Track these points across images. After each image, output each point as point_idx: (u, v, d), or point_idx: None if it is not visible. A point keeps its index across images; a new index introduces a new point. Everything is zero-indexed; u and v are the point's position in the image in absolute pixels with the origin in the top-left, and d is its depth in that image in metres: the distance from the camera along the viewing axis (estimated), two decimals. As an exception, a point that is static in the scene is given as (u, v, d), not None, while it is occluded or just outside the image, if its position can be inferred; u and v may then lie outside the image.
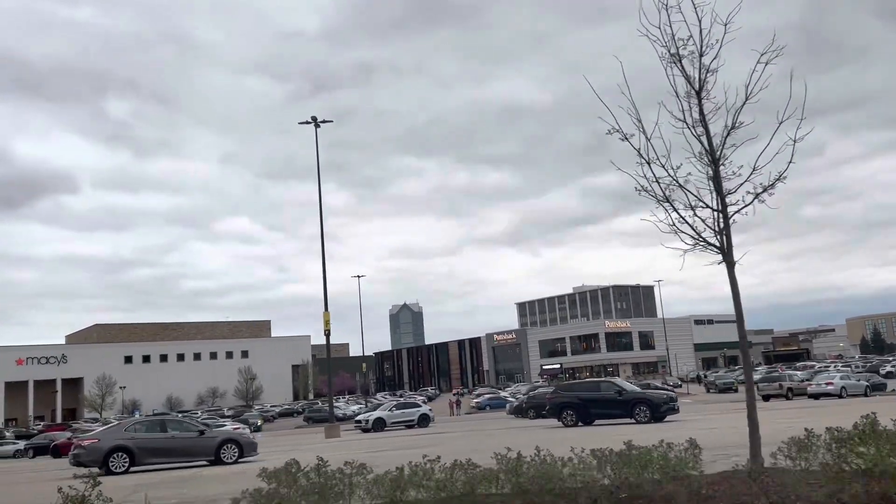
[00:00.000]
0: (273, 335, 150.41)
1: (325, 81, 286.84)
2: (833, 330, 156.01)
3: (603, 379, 43.89)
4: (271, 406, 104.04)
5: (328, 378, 50.72)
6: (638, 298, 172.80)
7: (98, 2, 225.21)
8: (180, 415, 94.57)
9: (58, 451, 39.58)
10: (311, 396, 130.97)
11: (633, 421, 26.71)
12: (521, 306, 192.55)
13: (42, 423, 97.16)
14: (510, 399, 69.26)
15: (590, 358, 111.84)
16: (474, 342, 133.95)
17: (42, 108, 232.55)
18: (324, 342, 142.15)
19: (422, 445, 25.25)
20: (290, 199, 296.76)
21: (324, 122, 40.03)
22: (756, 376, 55.06)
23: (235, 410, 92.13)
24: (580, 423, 27.80)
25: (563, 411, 28.32)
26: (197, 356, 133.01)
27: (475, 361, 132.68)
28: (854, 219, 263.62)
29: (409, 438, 30.72)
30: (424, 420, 42.01)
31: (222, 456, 21.41)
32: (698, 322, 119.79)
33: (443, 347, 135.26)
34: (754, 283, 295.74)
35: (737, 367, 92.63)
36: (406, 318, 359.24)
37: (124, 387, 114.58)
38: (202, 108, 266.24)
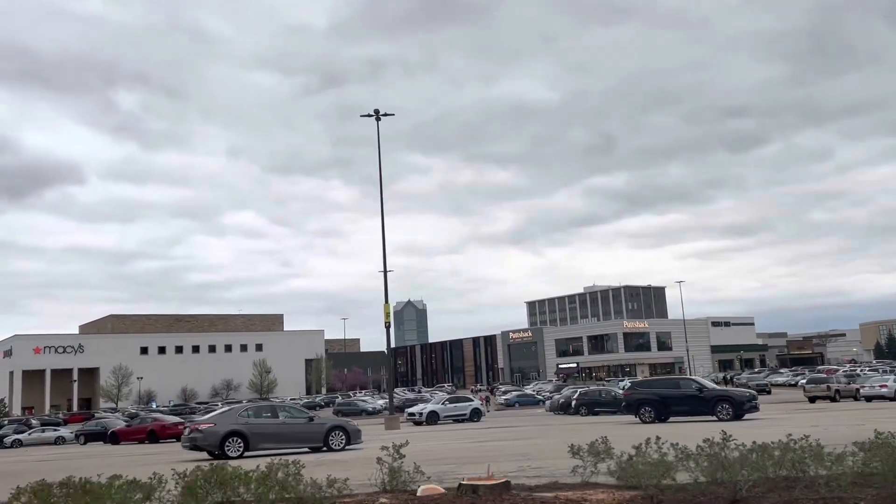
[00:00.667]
0: (285, 329, 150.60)
1: (334, 76, 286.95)
2: (844, 335, 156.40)
3: (681, 376, 44.10)
4: (291, 399, 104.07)
5: (390, 369, 50.92)
6: (649, 299, 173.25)
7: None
8: (201, 406, 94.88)
9: (116, 438, 39.74)
10: (323, 391, 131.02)
11: (714, 418, 26.88)
12: (531, 305, 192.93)
13: (61, 413, 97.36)
14: (538, 397, 69.54)
15: (607, 358, 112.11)
16: (489, 340, 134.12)
17: (50, 98, 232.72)
18: (337, 337, 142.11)
19: (512, 438, 25.46)
20: (295, 194, 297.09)
21: (385, 115, 40.24)
22: (801, 379, 55.37)
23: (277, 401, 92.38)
24: (657, 420, 28.00)
25: (640, 407, 28.50)
26: (212, 348, 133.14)
27: (490, 359, 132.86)
28: (860, 224, 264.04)
29: (484, 431, 30.86)
30: (476, 414, 42.24)
31: (331, 442, 21.63)
32: (715, 324, 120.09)
33: (457, 344, 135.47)
34: (757, 287, 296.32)
35: (759, 370, 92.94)
36: (410, 314, 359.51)
37: (141, 377, 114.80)
38: (210, 101, 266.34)
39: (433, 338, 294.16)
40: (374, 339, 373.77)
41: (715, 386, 31.04)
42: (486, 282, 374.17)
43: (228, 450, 20.50)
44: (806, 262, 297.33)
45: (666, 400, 28.30)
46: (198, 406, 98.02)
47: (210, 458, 21.74)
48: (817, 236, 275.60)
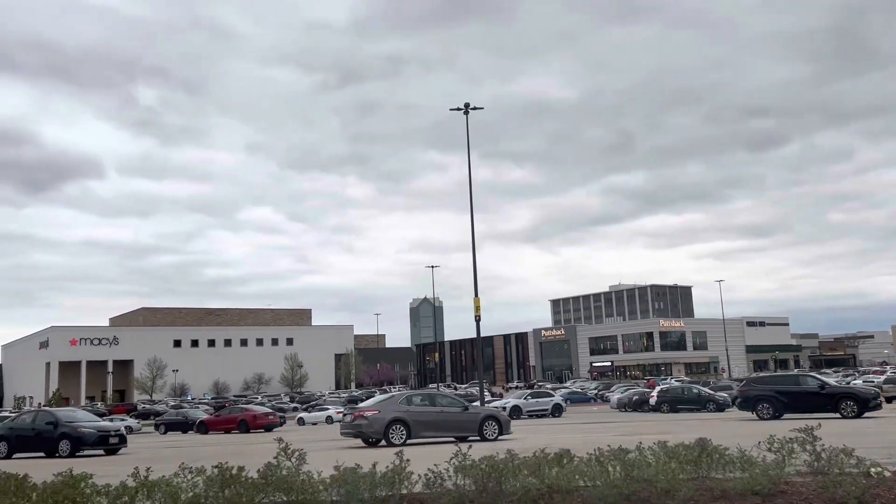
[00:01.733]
0: (313, 324, 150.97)
1: (353, 73, 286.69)
2: (872, 336, 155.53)
3: (801, 373, 43.91)
4: (330, 393, 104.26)
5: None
6: (675, 299, 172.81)
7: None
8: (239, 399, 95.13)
9: (205, 427, 39.80)
10: (353, 386, 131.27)
11: (836, 416, 26.75)
12: (556, 303, 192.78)
13: (100, 404, 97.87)
14: (588, 394, 69.33)
15: (643, 357, 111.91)
16: (520, 337, 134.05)
17: (71, 93, 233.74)
18: (365, 332, 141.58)
19: (640, 433, 25.38)
20: (312, 190, 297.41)
21: (475, 108, 40.21)
22: (878, 378, 55.14)
23: (303, 396, 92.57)
24: (774, 417, 27.90)
25: (758, 404, 28.39)
26: (243, 342, 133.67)
27: (521, 356, 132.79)
28: (879, 226, 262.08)
29: (598, 426, 30.81)
30: (558, 409, 42.24)
31: (485, 432, 21.65)
32: (750, 324, 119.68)
33: (487, 341, 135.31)
34: (774, 288, 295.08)
35: (803, 371, 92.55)
36: (426, 311, 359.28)
37: (177, 370, 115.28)
38: (229, 96, 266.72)
39: (449, 335, 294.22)
40: (393, 336, 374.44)
41: (835, 383, 30.89)
42: (501, 280, 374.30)
43: (392, 437, 20.58)
44: (824, 264, 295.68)
45: (785, 396, 28.19)
46: (237, 398, 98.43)
47: (366, 445, 21.85)
48: (835, 237, 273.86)
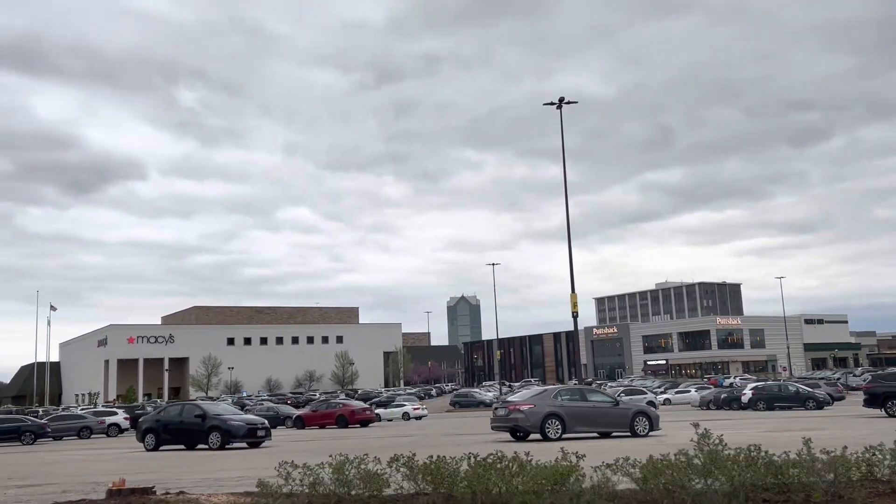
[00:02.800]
0: (360, 322, 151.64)
1: (390, 73, 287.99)
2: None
3: None
4: (384, 390, 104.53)
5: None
6: (724, 296, 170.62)
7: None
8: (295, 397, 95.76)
9: (302, 422, 40.02)
10: (401, 383, 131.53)
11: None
12: (600, 301, 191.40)
13: (160, 401, 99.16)
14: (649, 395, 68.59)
15: (699, 355, 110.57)
16: (571, 335, 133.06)
17: (114, 96, 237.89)
18: (412, 331, 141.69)
19: (778, 429, 24.95)
20: (348, 190, 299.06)
21: (568, 102, 39.89)
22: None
23: (362, 393, 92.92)
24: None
25: (888, 401, 27.81)
26: (295, 340, 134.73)
27: (571, 354, 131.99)
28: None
29: (731, 423, 30.39)
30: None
31: (636, 428, 21.43)
32: (808, 321, 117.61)
33: (536, 339, 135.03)
34: (816, 286, 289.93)
35: (865, 370, 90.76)
36: (463, 310, 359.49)
37: (232, 367, 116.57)
38: (268, 98, 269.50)
39: (486, 334, 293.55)
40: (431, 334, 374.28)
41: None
42: (537, 278, 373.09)
43: (548, 431, 20.48)
44: (867, 261, 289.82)
45: (917, 393, 27.57)
46: (294, 395, 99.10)
47: (514, 439, 21.75)
48: (880, 234, 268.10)
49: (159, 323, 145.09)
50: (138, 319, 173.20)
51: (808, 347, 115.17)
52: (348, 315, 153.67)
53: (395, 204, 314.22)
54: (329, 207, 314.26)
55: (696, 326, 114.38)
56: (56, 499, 9.65)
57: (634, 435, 21.34)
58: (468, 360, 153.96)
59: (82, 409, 65.79)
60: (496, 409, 22.00)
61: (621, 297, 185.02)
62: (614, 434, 21.79)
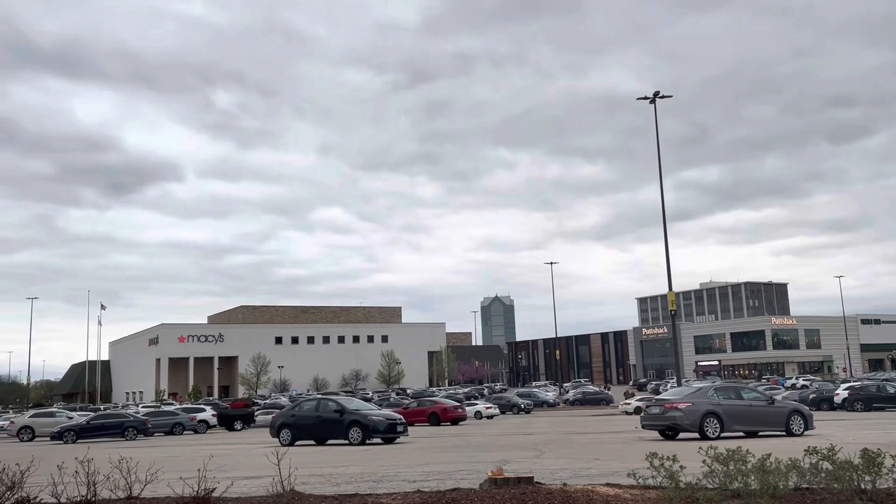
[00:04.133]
0: (403, 321, 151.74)
1: (424, 72, 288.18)
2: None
3: None
4: (442, 389, 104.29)
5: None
6: (771, 296, 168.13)
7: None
8: (345, 394, 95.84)
9: (437, 418, 39.24)
10: (446, 383, 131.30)
11: None
12: (643, 301, 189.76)
13: (219, 399, 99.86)
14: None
15: (753, 355, 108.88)
16: (619, 335, 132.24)
17: (153, 99, 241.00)
18: (452, 331, 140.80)
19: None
20: (382, 190, 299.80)
21: (664, 97, 39.30)
22: None
23: (415, 392, 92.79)
24: None
25: None
26: (341, 339, 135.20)
27: (620, 355, 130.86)
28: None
29: (840, 423, 29.69)
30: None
31: (791, 427, 20.87)
32: (865, 321, 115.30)
33: (583, 339, 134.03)
34: (857, 285, 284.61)
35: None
36: (497, 310, 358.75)
37: (282, 366, 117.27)
38: (303, 99, 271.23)
39: (521, 334, 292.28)
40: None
41: None
42: (570, 278, 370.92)
43: (707, 430, 19.99)
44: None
45: None
46: (349, 393, 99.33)
47: (662, 438, 21.30)
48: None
49: (205, 322, 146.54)
50: (174, 319, 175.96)
51: (865, 348, 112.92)
52: (391, 314, 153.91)
53: (428, 204, 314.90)
54: (362, 208, 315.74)
55: (749, 326, 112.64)
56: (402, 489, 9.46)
57: (790, 434, 20.78)
58: (513, 360, 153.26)
59: (141, 406, 66.61)
60: (648, 407, 21.55)
61: (664, 296, 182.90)
62: (760, 434, 21.22)
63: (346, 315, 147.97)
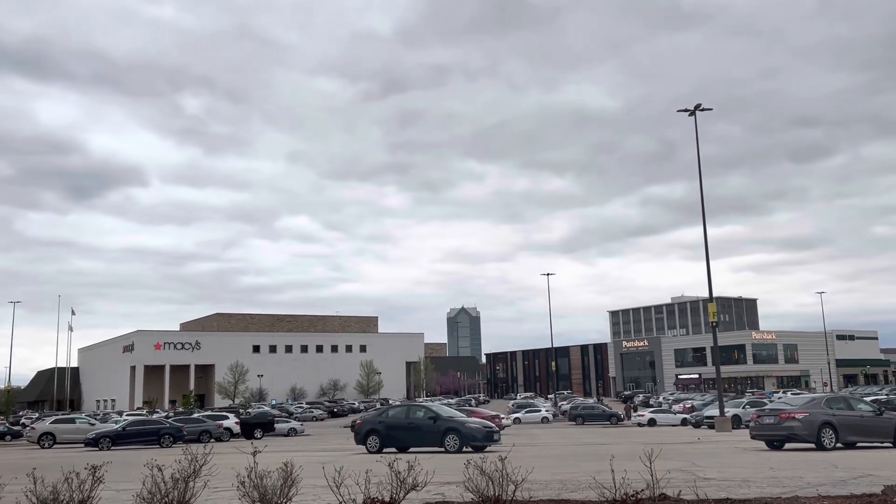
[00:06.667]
0: (379, 331, 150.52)
1: (397, 83, 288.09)
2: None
3: None
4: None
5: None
6: (741, 311, 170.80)
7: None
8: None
9: None
10: (424, 394, 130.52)
11: None
12: (614, 314, 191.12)
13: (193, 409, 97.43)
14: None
15: (734, 369, 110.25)
16: (599, 348, 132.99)
17: (119, 102, 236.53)
18: (435, 341, 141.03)
19: None
20: (350, 199, 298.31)
21: (703, 109, 39.59)
22: None
23: (402, 401, 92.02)
24: None
25: None
26: (319, 348, 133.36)
27: (599, 367, 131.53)
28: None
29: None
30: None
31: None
32: (840, 337, 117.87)
33: (563, 351, 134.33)
34: (813, 303, 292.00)
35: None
36: (464, 321, 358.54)
37: (261, 375, 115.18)
38: (273, 106, 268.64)
39: (486, 346, 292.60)
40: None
41: None
42: (534, 291, 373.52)
43: (823, 440, 19.88)
44: (866, 278, 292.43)
45: None
46: (333, 403, 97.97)
47: (769, 448, 21.12)
48: (880, 251, 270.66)
49: (177, 329, 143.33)
50: (134, 326, 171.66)
51: (840, 363, 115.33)
52: (367, 324, 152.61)
53: (396, 214, 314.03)
54: (329, 216, 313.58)
55: (730, 340, 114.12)
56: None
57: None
58: (491, 372, 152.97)
59: (126, 415, 64.58)
60: (760, 417, 21.32)
61: (636, 310, 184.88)
62: (859, 445, 21.19)
63: (322, 324, 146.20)
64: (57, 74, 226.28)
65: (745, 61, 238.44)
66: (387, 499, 6.73)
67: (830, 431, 20.05)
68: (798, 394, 77.35)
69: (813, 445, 20.10)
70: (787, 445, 21.05)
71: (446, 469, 12.84)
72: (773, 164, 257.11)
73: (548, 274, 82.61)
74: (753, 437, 21.64)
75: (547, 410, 69.92)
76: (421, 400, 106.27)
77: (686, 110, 39.64)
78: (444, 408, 26.15)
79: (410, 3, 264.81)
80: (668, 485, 8.43)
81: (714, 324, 38.33)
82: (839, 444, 20.17)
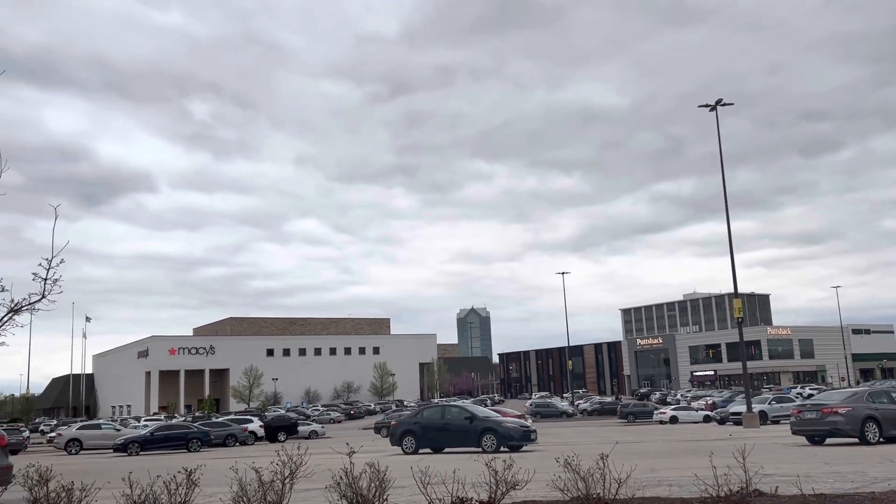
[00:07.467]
0: (392, 333, 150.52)
1: (403, 84, 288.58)
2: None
3: None
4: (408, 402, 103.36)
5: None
6: (754, 307, 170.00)
7: (187, 5, 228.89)
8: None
9: None
10: (437, 395, 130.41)
11: None
12: (626, 312, 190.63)
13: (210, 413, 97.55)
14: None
15: (750, 365, 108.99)
16: (613, 346, 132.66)
17: (127, 109, 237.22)
18: (446, 342, 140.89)
19: None
20: (357, 202, 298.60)
21: (725, 104, 39.38)
22: None
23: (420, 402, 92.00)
24: None
25: None
26: (332, 351, 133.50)
27: (613, 366, 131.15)
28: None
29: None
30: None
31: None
32: (856, 332, 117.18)
33: (576, 350, 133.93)
34: (824, 297, 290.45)
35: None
36: (474, 321, 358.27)
37: (276, 378, 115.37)
38: (280, 110, 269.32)
39: (496, 346, 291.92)
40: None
41: None
42: (543, 290, 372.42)
43: (867, 435, 19.71)
44: (878, 272, 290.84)
45: None
46: (349, 406, 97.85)
47: (810, 443, 20.95)
48: (890, 244, 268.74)
49: (191, 334, 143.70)
50: (146, 332, 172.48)
51: (856, 358, 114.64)
52: (380, 326, 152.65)
53: (404, 216, 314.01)
54: (338, 219, 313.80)
55: (745, 336, 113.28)
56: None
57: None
58: (504, 372, 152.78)
59: (144, 420, 64.58)
60: (802, 412, 21.15)
61: (648, 307, 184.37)
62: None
63: (334, 326, 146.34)
64: (64, 82, 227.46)
65: (752, 56, 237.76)
66: (484, 498, 6.64)
67: (874, 426, 19.86)
68: (819, 389, 76.95)
69: (856, 440, 19.93)
70: (829, 440, 20.89)
71: (482, 470, 12.75)
72: (781, 158, 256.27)
73: (563, 273, 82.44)
74: (795, 433, 21.45)
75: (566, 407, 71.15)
76: (436, 400, 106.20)
77: (707, 106, 39.50)
78: (479, 408, 26.08)
79: (415, 4, 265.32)
80: (759, 482, 8.30)
81: (739, 319, 38.18)
82: (882, 439, 19.97)
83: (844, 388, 78.28)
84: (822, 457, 16.44)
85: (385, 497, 6.71)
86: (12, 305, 7.16)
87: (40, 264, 7.32)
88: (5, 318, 7.19)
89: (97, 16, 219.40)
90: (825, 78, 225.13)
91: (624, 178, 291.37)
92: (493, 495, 6.57)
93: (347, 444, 7.91)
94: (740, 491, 6.90)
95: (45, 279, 7.23)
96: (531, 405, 72.25)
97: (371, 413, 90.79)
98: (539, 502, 7.60)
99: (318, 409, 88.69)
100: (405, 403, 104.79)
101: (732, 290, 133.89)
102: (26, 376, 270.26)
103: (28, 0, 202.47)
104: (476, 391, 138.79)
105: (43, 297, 7.22)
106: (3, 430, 21.43)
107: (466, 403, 28.40)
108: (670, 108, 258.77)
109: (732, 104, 39.68)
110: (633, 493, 7.49)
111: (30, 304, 7.23)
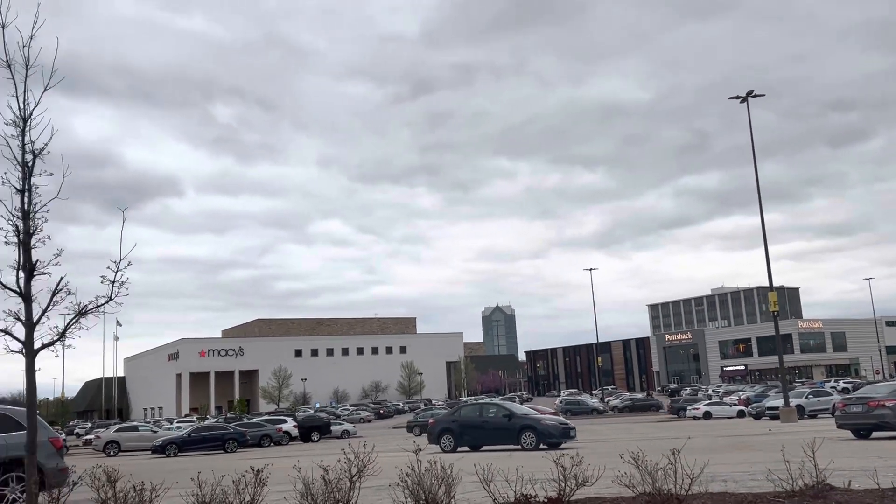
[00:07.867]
0: (418, 332, 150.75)
1: (424, 84, 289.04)
2: None
3: None
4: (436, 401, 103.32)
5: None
6: (783, 300, 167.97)
7: (209, 10, 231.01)
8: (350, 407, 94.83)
9: None
10: (465, 393, 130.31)
11: None
12: (654, 308, 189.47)
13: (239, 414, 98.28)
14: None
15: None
16: (641, 342, 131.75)
17: (152, 115, 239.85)
18: (471, 340, 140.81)
19: None
20: (381, 202, 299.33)
21: (756, 95, 38.91)
22: None
23: (444, 401, 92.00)
24: None
25: None
26: (360, 351, 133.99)
27: (642, 362, 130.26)
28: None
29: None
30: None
31: None
32: (889, 324, 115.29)
33: (605, 347, 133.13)
34: (853, 290, 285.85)
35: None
36: (499, 319, 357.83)
37: (305, 379, 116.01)
38: (303, 112, 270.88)
39: (521, 344, 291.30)
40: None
41: None
42: (569, 287, 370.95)
43: (908, 428, 19.35)
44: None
45: None
46: (378, 405, 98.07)
47: (855, 437, 20.66)
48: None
49: (219, 336, 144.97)
50: (174, 335, 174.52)
51: (890, 350, 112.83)
52: (406, 325, 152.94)
53: (427, 215, 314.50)
54: (362, 220, 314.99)
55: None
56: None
57: None
58: (531, 369, 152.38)
59: (177, 422, 65.23)
60: (847, 406, 20.85)
61: (675, 303, 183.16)
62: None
63: (361, 326, 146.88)
64: (91, 90, 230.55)
65: (775, 47, 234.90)
66: (553, 495, 6.58)
67: (912, 419, 19.53)
68: (853, 382, 75.82)
69: (903, 433, 19.60)
70: (874, 434, 20.56)
71: (534, 467, 12.69)
72: (808, 149, 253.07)
73: (590, 269, 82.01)
74: (840, 426, 21.17)
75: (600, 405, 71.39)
76: (465, 399, 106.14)
77: (738, 98, 39.06)
78: (517, 405, 26.04)
79: (435, 4, 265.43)
80: (830, 476, 8.16)
81: (775, 313, 37.70)
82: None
83: (880, 380, 76.96)
84: (873, 451, 16.18)
85: (452, 494, 6.67)
86: (79, 308, 7.27)
87: (108, 267, 7.45)
88: (72, 321, 7.30)
89: (121, 22, 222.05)
90: (853, 67, 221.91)
91: (648, 172, 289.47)
92: (561, 492, 6.51)
93: (397, 444, 7.88)
94: (815, 486, 6.78)
95: (113, 282, 7.35)
96: (561, 402, 71.98)
97: (400, 412, 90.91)
98: (607, 499, 7.50)
99: (348, 409, 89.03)
100: (433, 402, 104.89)
101: (759, 284, 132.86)
102: (60, 380, 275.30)
103: (52, 8, 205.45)
104: (503, 389, 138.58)
105: (110, 299, 7.34)
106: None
107: (504, 401, 28.31)
108: (693, 102, 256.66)
109: (763, 95, 39.18)
110: (705, 487, 7.37)
111: (97, 306, 7.34)
